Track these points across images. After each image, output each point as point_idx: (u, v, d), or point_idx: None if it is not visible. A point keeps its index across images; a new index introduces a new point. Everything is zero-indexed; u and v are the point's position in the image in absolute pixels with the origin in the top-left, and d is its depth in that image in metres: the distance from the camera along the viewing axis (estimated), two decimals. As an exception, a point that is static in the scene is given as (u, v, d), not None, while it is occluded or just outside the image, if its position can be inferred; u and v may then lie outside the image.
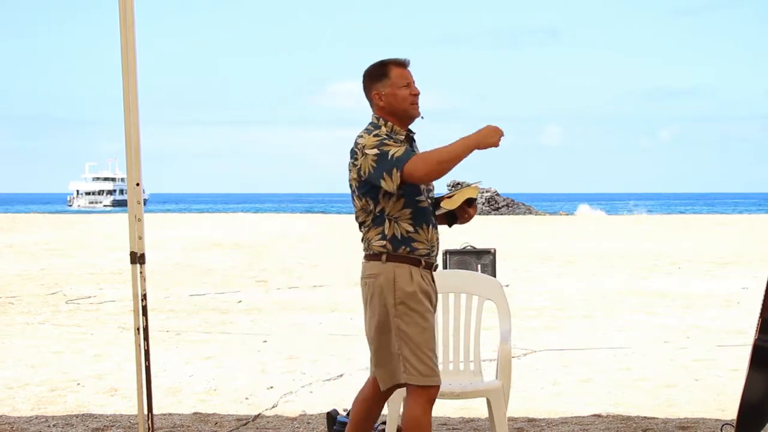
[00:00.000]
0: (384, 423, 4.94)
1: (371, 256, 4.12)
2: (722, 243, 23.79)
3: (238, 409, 6.26)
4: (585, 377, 7.34)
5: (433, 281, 4.20)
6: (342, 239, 26.22)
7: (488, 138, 3.99)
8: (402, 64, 4.17)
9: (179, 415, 6.06)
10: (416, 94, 4.14)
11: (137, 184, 4.60)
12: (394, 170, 3.94)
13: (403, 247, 4.07)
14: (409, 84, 4.14)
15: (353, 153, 4.08)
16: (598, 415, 6.02)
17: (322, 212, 65.60)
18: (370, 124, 4.16)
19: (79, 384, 7.13)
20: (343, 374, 7.48)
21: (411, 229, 4.07)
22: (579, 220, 43.38)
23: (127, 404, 6.36)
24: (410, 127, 4.19)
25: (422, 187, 4.12)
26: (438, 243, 4.19)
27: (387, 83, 4.13)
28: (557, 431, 5.59)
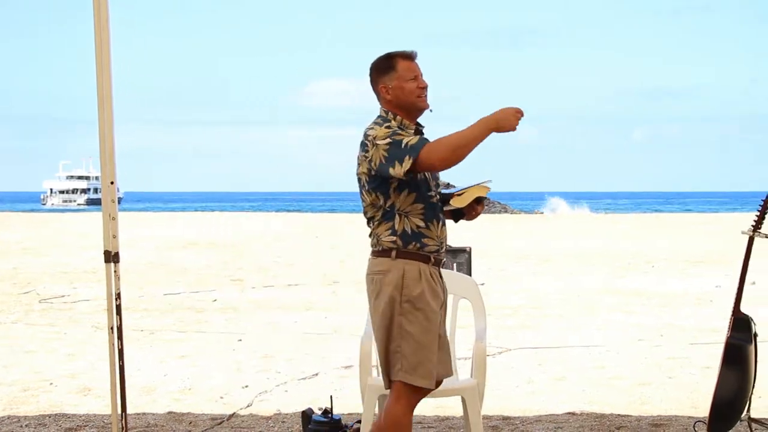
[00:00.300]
0: (359, 422, 4.93)
1: (380, 252, 4.03)
2: (697, 242, 23.96)
3: (213, 408, 6.24)
4: (559, 375, 7.37)
5: (441, 278, 4.15)
6: (318, 238, 26.19)
7: (505, 121, 3.86)
8: (409, 57, 4.08)
9: (153, 414, 6.04)
10: (424, 87, 4.07)
11: (111, 183, 4.59)
12: (407, 157, 3.85)
13: (414, 242, 3.99)
14: (417, 77, 4.06)
15: (364, 145, 3.99)
16: (572, 413, 6.04)
17: (297, 210, 65.50)
18: (379, 117, 4.08)
19: (52, 384, 7.08)
20: (318, 373, 7.47)
21: (422, 224, 4.00)
22: (554, 219, 43.54)
23: (101, 404, 6.32)
24: (419, 120, 4.11)
25: (432, 182, 4.06)
26: (446, 239, 4.13)
27: (394, 76, 4.05)
28: (532, 429, 5.61)
